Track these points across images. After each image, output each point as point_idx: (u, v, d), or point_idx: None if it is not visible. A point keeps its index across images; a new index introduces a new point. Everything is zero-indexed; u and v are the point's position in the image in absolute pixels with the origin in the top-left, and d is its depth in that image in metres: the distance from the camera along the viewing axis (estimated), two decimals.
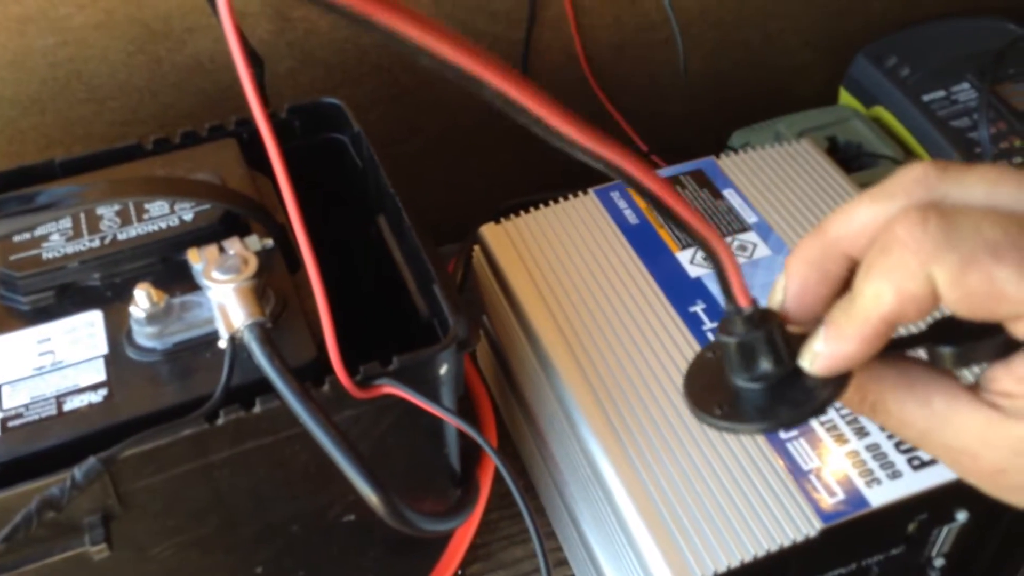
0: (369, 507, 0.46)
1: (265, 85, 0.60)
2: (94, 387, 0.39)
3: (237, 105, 0.67)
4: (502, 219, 0.56)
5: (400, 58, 0.69)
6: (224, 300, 0.40)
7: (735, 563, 0.38)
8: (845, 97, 0.78)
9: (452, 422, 0.38)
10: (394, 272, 0.51)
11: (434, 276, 0.43)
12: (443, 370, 0.41)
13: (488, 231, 0.55)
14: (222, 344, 0.39)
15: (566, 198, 0.57)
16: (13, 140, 0.62)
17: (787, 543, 0.38)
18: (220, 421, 0.38)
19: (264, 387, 0.38)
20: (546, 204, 0.57)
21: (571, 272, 0.52)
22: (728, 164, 0.58)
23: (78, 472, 0.34)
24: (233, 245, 0.42)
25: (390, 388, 0.39)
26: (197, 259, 0.42)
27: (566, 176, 0.69)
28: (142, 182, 0.42)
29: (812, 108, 0.76)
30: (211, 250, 0.42)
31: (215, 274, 0.41)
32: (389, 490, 0.37)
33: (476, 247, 0.57)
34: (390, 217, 0.52)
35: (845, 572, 0.41)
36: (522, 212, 0.57)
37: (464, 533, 0.50)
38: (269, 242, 0.43)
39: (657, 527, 0.40)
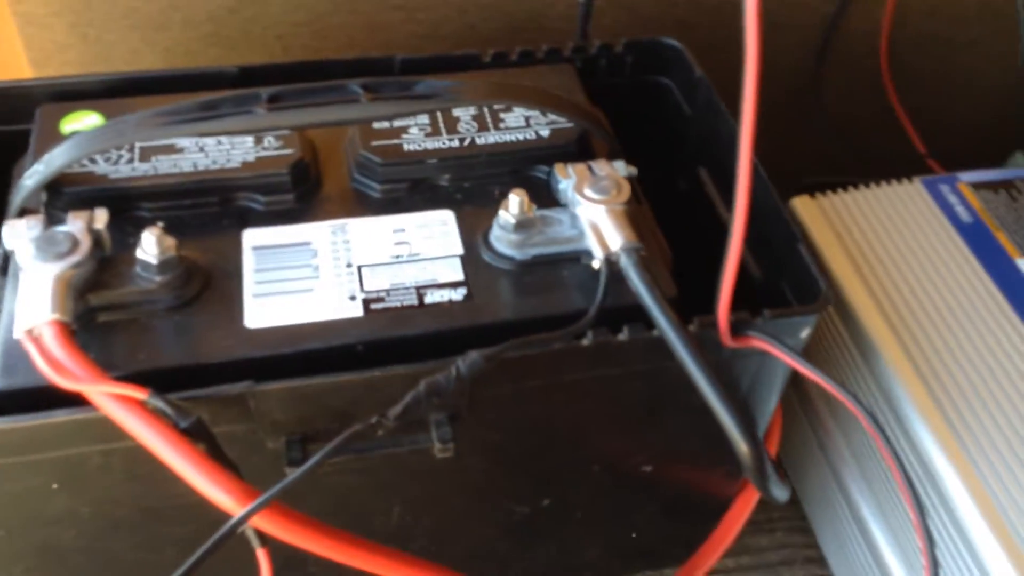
0: (669, 460, 0.44)
1: (591, 18, 0.58)
2: (453, 285, 0.38)
3: (533, 36, 0.66)
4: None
5: (707, 17, 0.66)
6: (597, 220, 0.38)
7: None
8: None
9: (826, 385, 0.35)
10: (709, 228, 0.49)
11: (799, 235, 0.41)
12: (804, 334, 0.39)
13: (801, 204, 0.52)
14: (596, 264, 0.37)
15: (888, 183, 0.53)
16: (318, 35, 0.62)
17: None
18: (586, 342, 0.36)
19: (623, 316, 0.37)
20: (855, 187, 0.54)
21: (897, 259, 0.49)
22: None
23: (462, 364, 0.33)
24: (602, 167, 0.41)
25: (760, 341, 0.37)
26: (565, 175, 0.40)
27: (863, 162, 0.66)
28: (520, 88, 0.41)
29: None
30: (579, 168, 0.40)
31: (588, 192, 0.39)
32: (759, 440, 0.34)
33: None
34: (715, 170, 0.50)
35: None
36: (829, 192, 0.54)
37: (742, 509, 0.47)
38: (634, 170, 0.41)
39: (1011, 545, 0.37)
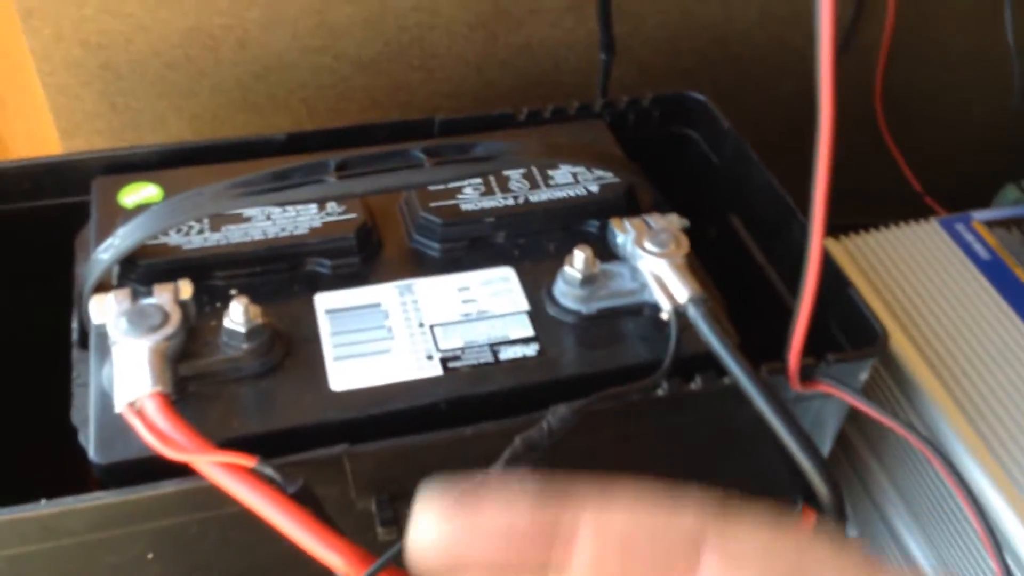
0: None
1: (611, 74, 0.60)
2: (525, 340, 0.39)
3: (548, 91, 0.68)
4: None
5: (710, 71, 0.69)
6: (660, 273, 0.40)
7: None
8: None
9: (895, 427, 0.37)
10: (745, 272, 0.50)
11: (847, 279, 0.43)
12: (863, 376, 0.40)
13: (827, 246, 0.54)
14: (664, 316, 0.39)
15: (906, 223, 0.56)
16: (343, 97, 0.63)
17: None
18: (661, 392, 0.37)
19: (686, 365, 0.38)
20: (876, 228, 0.56)
21: (925, 298, 0.51)
22: None
23: (553, 419, 0.34)
24: (657, 220, 0.42)
25: (826, 386, 0.38)
26: (623, 229, 0.42)
27: (862, 203, 0.69)
28: (575, 148, 0.42)
29: None
30: (636, 222, 0.42)
31: (649, 246, 0.41)
32: (838, 482, 0.36)
33: None
34: (747, 217, 0.51)
35: None
36: (851, 233, 0.56)
37: None
38: (687, 222, 0.43)
39: None
